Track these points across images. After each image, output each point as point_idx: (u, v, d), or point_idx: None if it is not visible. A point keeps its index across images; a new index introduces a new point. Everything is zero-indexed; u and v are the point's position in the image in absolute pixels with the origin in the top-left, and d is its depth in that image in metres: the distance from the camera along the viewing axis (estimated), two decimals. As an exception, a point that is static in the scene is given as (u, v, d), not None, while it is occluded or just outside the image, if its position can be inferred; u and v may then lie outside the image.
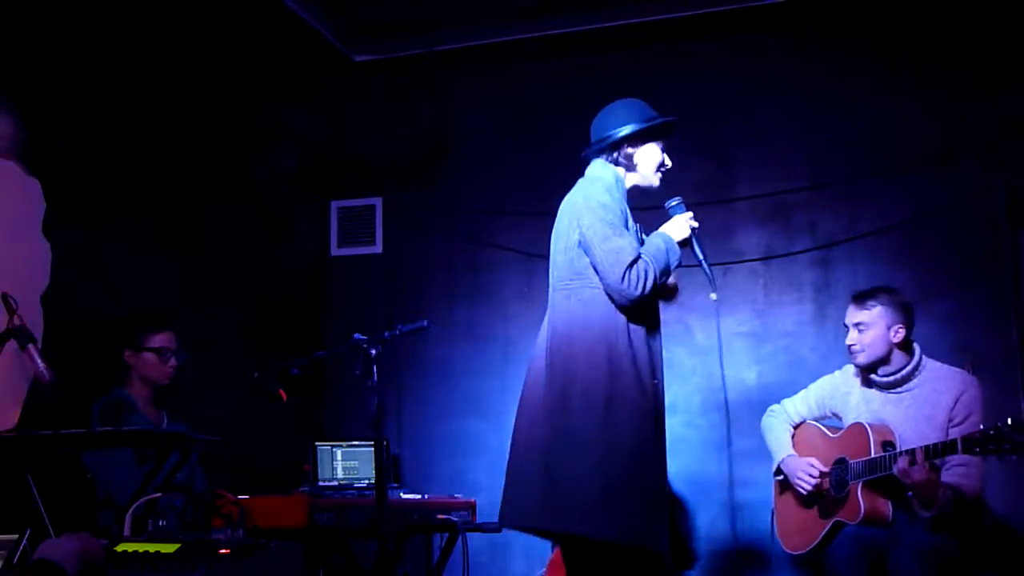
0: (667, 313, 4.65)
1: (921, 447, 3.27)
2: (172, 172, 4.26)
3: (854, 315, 3.63)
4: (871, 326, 3.57)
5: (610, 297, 3.01)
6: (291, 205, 5.29)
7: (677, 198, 3.27)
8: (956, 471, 3.38)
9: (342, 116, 5.42)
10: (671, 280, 3.20)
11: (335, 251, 5.52)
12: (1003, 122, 4.50)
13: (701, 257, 3.23)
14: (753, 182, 4.91)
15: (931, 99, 4.65)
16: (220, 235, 4.57)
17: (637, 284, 2.94)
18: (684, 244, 3.19)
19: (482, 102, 5.36)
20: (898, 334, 3.55)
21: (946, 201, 4.57)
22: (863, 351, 3.59)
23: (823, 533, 3.55)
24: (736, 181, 4.95)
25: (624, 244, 2.98)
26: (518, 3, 4.95)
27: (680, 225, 3.20)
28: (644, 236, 3.24)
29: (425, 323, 3.59)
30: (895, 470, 3.29)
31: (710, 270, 3.23)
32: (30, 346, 1.70)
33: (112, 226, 3.83)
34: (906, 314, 3.58)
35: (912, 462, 3.25)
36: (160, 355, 3.73)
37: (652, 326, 3.09)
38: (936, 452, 3.24)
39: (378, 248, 5.46)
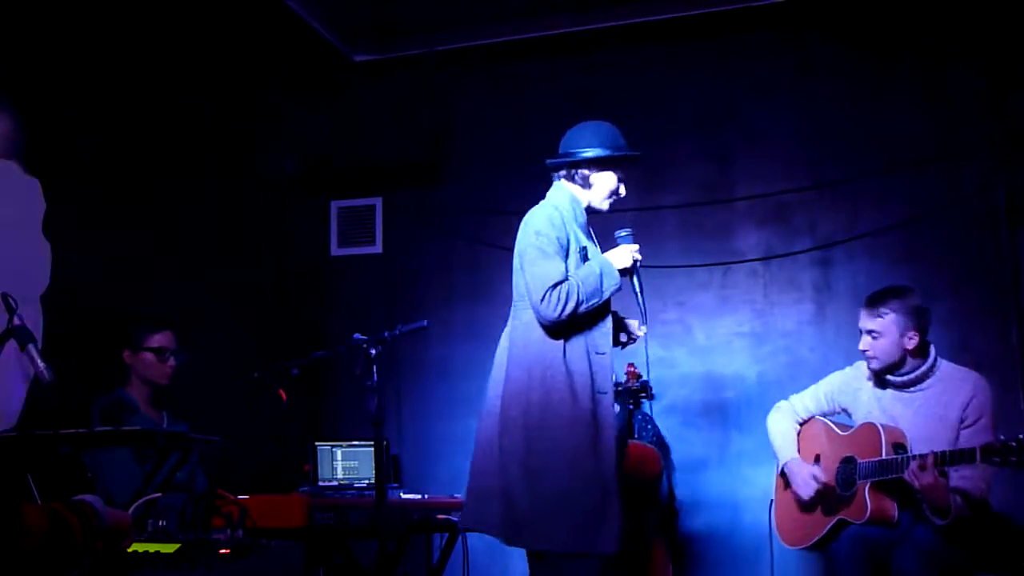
0: (667, 313, 4.68)
1: (938, 452, 3.22)
2: (172, 171, 4.26)
3: (866, 322, 3.55)
4: (884, 335, 3.50)
5: None
6: (291, 205, 5.29)
7: (627, 229, 3.32)
8: (963, 473, 3.36)
9: (342, 116, 5.42)
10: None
11: (335, 251, 5.52)
12: (1003, 122, 4.51)
13: (638, 290, 3.28)
14: (753, 182, 4.91)
15: (931, 99, 4.66)
16: (220, 235, 4.57)
17: (556, 306, 3.02)
18: (625, 273, 3.23)
19: (482, 102, 5.35)
20: (912, 341, 3.49)
21: (946, 201, 4.57)
22: (876, 357, 3.54)
23: (826, 530, 3.54)
24: (736, 181, 4.95)
25: (548, 268, 3.06)
26: (518, 3, 4.95)
27: (623, 254, 3.24)
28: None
29: (425, 323, 3.60)
30: (906, 474, 3.26)
31: (644, 304, 3.28)
32: (30, 346, 1.70)
33: (112, 226, 3.83)
34: (920, 319, 3.50)
35: (923, 467, 3.21)
36: (160, 355, 3.73)
37: (598, 342, 3.15)
38: (953, 459, 3.20)
39: (378, 248, 5.46)
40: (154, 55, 4.16)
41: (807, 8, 4.71)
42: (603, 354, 3.16)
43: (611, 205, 3.33)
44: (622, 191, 3.33)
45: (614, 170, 3.30)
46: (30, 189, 1.69)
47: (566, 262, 3.11)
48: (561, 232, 3.14)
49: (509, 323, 3.24)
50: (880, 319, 3.51)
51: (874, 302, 3.56)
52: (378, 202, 5.48)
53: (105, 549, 1.65)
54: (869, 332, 3.54)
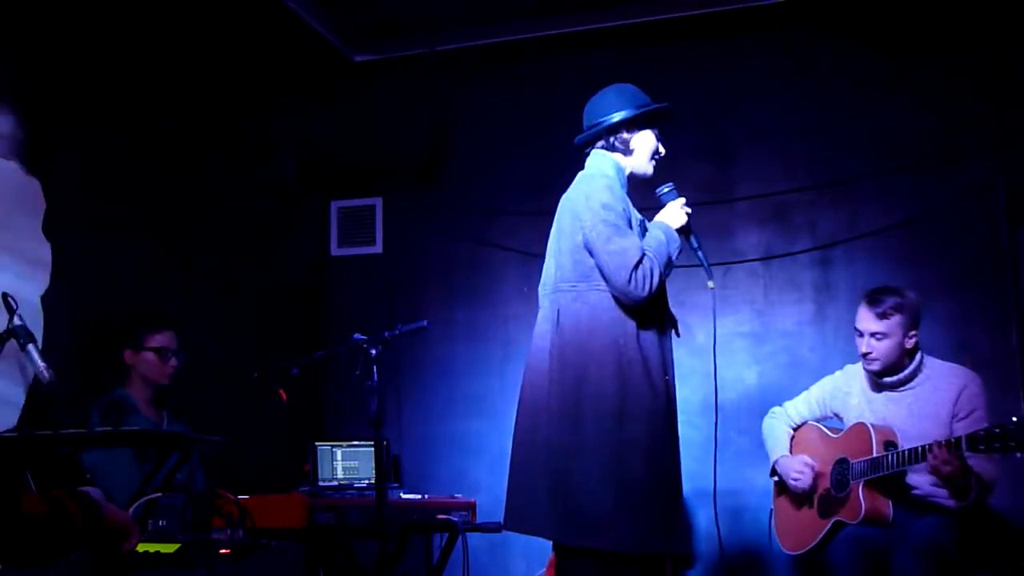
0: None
1: (931, 443, 3.23)
2: (172, 171, 4.26)
3: (870, 324, 3.50)
4: (889, 336, 3.48)
5: (617, 299, 2.94)
6: (291, 205, 5.30)
7: (668, 184, 3.20)
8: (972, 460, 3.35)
9: (342, 116, 5.42)
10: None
11: (335, 251, 5.52)
12: (1003, 122, 4.51)
13: (696, 245, 3.17)
14: (753, 182, 4.91)
15: (931, 99, 4.65)
16: (220, 235, 4.57)
17: (644, 285, 2.88)
18: (682, 231, 3.12)
19: (482, 102, 5.35)
20: (911, 340, 3.50)
21: (946, 201, 4.57)
22: (878, 359, 3.52)
23: (823, 533, 3.55)
24: (736, 181, 4.95)
25: (627, 245, 2.90)
26: (518, 3, 4.95)
27: (676, 212, 3.13)
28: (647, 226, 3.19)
29: (425, 323, 3.58)
30: (930, 458, 3.20)
31: (706, 258, 3.17)
32: (30, 346, 1.70)
33: (112, 226, 3.83)
34: (918, 317, 3.52)
35: (936, 456, 3.18)
36: (160, 355, 3.73)
37: (662, 324, 3.04)
38: (935, 453, 3.22)
39: (378, 248, 5.46)
40: (154, 55, 4.16)
41: (807, 8, 4.71)
42: (667, 335, 3.05)
43: (654, 167, 3.20)
44: (662, 149, 3.20)
45: (651, 128, 3.18)
46: (30, 189, 1.69)
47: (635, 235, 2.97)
48: (624, 203, 3.02)
49: (557, 307, 3.03)
50: (886, 321, 3.48)
51: (878, 302, 3.51)
52: (378, 202, 5.48)
53: (107, 545, 1.66)
54: (873, 334, 3.50)
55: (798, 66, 4.87)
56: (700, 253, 3.18)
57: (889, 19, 4.72)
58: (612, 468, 2.84)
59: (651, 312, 2.99)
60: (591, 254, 2.96)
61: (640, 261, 2.89)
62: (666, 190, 3.20)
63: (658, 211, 3.22)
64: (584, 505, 2.84)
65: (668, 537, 2.88)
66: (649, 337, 2.96)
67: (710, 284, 3.16)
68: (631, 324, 2.93)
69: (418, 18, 5.08)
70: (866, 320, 3.52)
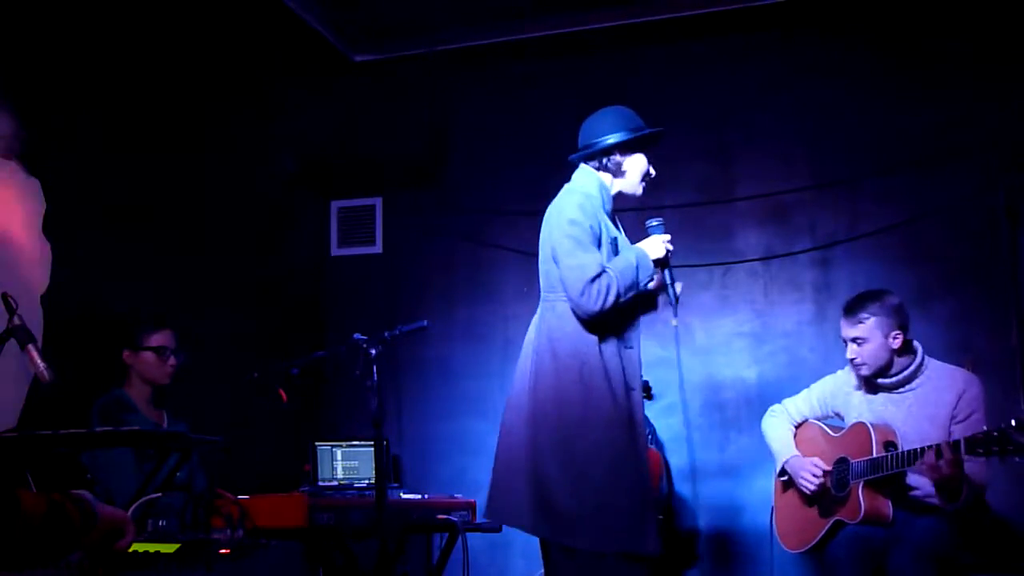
0: (667, 312, 4.68)
1: (928, 446, 3.24)
2: (172, 172, 4.26)
3: (848, 330, 3.56)
4: (868, 340, 3.51)
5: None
6: (291, 205, 5.30)
7: (659, 219, 3.27)
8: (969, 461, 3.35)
9: (342, 116, 5.42)
10: (653, 285, 3.18)
11: (335, 251, 5.52)
12: (1003, 122, 4.51)
13: (669, 281, 3.22)
14: (753, 182, 4.91)
15: (931, 99, 4.66)
16: (220, 235, 4.57)
17: (596, 299, 2.96)
18: (659, 264, 3.19)
19: (482, 102, 5.36)
20: (896, 340, 3.50)
21: (946, 201, 4.57)
22: (865, 364, 3.54)
23: (823, 532, 3.55)
24: (736, 181, 4.95)
25: (586, 260, 3.00)
26: (518, 3, 4.95)
27: (656, 244, 3.20)
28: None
29: (425, 323, 3.60)
30: (918, 466, 3.22)
31: (675, 296, 3.21)
32: (30, 346, 1.70)
33: (112, 226, 3.83)
34: (901, 317, 3.52)
35: (939, 456, 3.18)
36: (160, 355, 3.73)
37: (627, 336, 3.12)
38: (939, 454, 3.22)
39: (378, 248, 5.46)
40: (154, 55, 4.16)
41: (806, 8, 4.71)
42: (632, 348, 3.13)
43: (644, 187, 3.29)
44: (652, 172, 3.28)
45: (642, 151, 3.26)
46: (30, 189, 1.69)
47: (599, 252, 3.06)
48: (594, 220, 3.09)
49: (539, 314, 3.18)
50: (862, 324, 3.51)
51: (853, 309, 3.56)
52: (378, 202, 5.49)
53: (103, 543, 1.66)
54: (853, 340, 3.54)
55: (798, 66, 4.88)
56: (671, 289, 3.23)
57: (889, 19, 4.72)
58: (576, 470, 2.97)
59: (613, 326, 3.07)
60: (557, 266, 3.08)
61: (597, 276, 2.98)
62: (654, 223, 3.27)
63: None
64: (555, 504, 2.98)
65: (634, 538, 2.96)
66: (610, 350, 3.06)
67: (673, 322, 3.25)
68: (593, 336, 3.04)
69: (418, 18, 5.09)
70: (845, 327, 3.59)
